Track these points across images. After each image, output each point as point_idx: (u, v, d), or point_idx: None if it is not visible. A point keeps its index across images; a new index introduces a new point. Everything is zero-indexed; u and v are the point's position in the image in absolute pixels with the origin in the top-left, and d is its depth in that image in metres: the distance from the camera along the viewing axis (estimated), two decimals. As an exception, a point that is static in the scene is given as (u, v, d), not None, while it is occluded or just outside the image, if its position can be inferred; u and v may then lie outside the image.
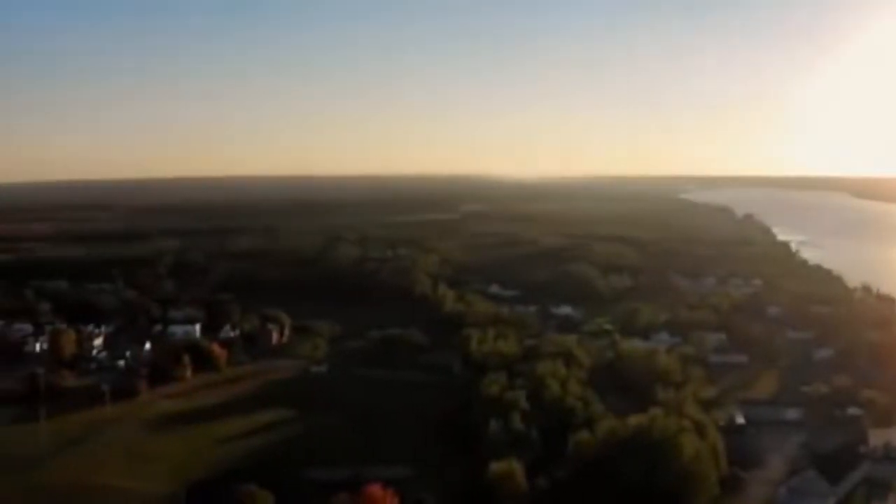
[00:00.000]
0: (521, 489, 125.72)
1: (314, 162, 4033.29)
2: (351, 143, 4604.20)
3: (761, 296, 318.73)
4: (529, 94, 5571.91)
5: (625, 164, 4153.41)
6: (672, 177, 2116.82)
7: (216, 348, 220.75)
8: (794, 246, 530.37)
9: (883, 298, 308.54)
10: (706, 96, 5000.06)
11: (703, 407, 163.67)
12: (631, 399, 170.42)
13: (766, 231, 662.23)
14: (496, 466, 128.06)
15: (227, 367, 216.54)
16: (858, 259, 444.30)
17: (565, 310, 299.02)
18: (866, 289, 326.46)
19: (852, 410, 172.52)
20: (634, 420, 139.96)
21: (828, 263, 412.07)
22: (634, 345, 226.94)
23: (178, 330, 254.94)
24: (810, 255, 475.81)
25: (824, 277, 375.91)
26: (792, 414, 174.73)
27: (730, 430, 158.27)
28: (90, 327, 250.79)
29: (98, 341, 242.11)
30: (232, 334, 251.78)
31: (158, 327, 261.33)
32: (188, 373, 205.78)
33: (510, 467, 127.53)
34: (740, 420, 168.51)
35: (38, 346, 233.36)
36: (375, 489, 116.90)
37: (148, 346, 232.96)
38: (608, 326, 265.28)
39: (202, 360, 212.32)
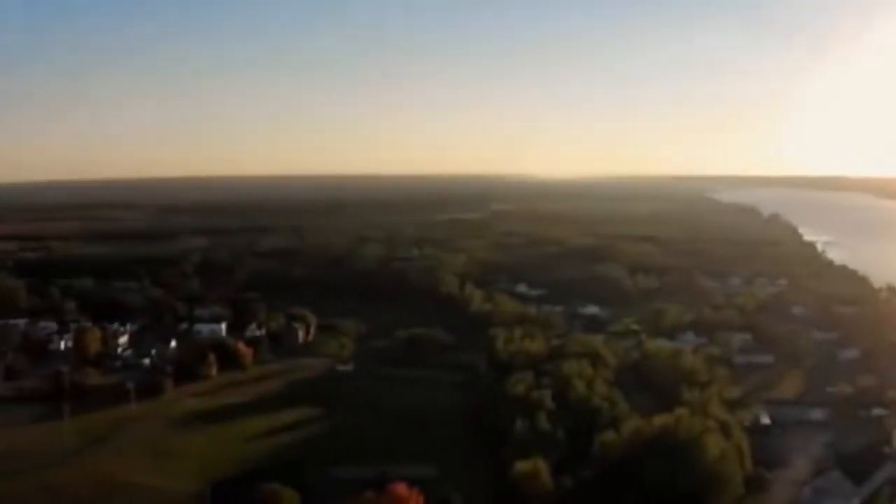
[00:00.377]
0: (546, 489, 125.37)
1: (342, 161, 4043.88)
2: (379, 143, 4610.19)
3: (787, 296, 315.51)
4: (559, 94, 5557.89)
5: (652, 164, 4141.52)
6: (700, 177, 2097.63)
7: (242, 347, 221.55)
8: (819, 246, 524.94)
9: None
10: (736, 97, 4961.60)
11: (729, 407, 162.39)
12: (656, 399, 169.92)
13: (793, 231, 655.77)
14: (521, 466, 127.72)
15: (252, 365, 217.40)
16: (884, 260, 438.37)
17: (592, 309, 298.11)
18: (892, 289, 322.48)
19: (877, 411, 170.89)
20: (659, 420, 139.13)
21: (853, 264, 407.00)
22: (660, 345, 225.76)
23: (203, 328, 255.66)
24: (836, 255, 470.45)
25: (850, 278, 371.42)
26: (817, 414, 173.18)
27: (755, 430, 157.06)
28: (115, 325, 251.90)
29: (123, 339, 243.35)
30: (258, 333, 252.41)
31: (184, 325, 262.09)
32: (214, 371, 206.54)
33: (535, 467, 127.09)
34: (765, 420, 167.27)
35: (63, 344, 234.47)
36: (401, 488, 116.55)
37: (173, 344, 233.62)
38: (635, 326, 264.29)
39: (228, 359, 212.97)
